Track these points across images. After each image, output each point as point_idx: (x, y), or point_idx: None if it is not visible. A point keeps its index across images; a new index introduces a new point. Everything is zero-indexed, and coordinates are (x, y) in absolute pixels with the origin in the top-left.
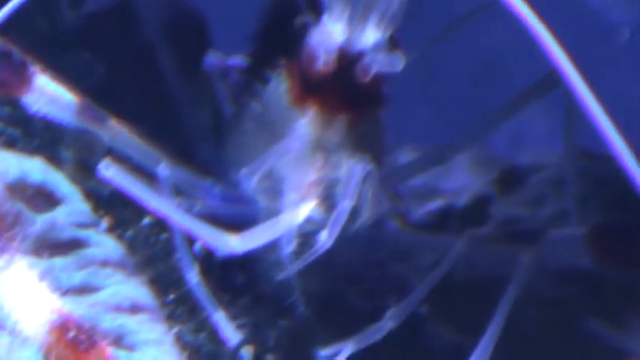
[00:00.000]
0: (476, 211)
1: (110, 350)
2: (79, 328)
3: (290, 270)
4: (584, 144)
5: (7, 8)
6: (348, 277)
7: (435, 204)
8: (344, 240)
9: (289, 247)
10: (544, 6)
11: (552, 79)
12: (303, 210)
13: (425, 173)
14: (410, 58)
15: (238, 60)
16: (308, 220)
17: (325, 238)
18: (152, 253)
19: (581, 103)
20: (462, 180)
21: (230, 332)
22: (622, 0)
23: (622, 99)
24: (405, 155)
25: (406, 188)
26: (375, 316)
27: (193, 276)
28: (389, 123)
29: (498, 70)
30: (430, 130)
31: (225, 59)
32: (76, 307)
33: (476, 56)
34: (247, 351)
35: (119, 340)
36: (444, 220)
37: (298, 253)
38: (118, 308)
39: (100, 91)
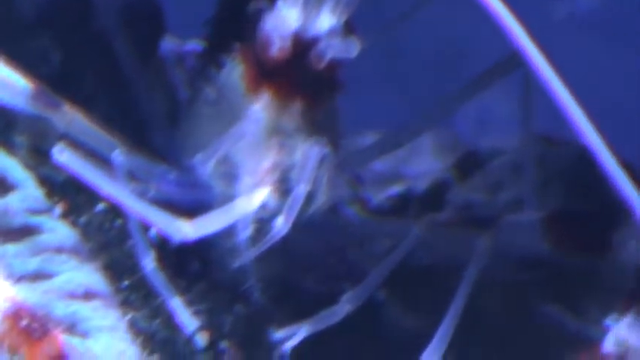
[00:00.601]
0: (434, 196)
1: (63, 338)
2: (32, 316)
3: (246, 256)
4: (545, 128)
5: None
6: (304, 263)
7: (395, 189)
8: (300, 225)
9: (245, 233)
10: None
11: (514, 60)
12: (258, 196)
13: (387, 157)
14: (367, 44)
15: (194, 45)
16: (263, 206)
17: (281, 224)
18: (106, 239)
19: (544, 84)
20: (426, 164)
21: (187, 319)
22: None
23: (586, 79)
24: (369, 140)
25: (369, 173)
26: (332, 301)
27: (149, 262)
28: (353, 108)
29: (465, 52)
30: (396, 114)
31: (181, 44)
32: (30, 295)
33: (441, 38)
34: (203, 337)
35: (73, 327)
36: (403, 206)
37: (254, 239)
38: (72, 295)
39: (55, 77)
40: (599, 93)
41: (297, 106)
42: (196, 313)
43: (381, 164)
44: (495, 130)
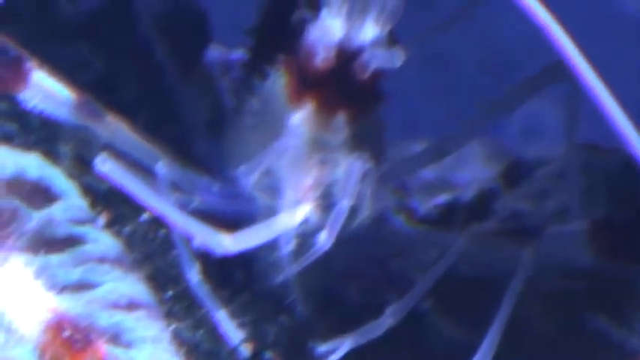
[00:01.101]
0: (481, 205)
1: (106, 348)
2: (75, 326)
3: (289, 271)
4: (591, 136)
5: None
6: (348, 274)
7: (442, 198)
8: (344, 238)
9: (288, 248)
10: None
11: (559, 68)
12: (300, 212)
13: (435, 165)
14: (410, 53)
15: (240, 54)
16: (306, 221)
17: (324, 239)
18: (150, 249)
19: (590, 93)
20: (474, 173)
21: (231, 331)
22: None
23: (632, 85)
24: (416, 148)
25: (416, 181)
26: (376, 313)
27: (194, 275)
28: (401, 117)
29: (511, 60)
30: (444, 123)
31: (227, 53)
32: (73, 305)
33: (488, 46)
34: (246, 348)
35: (116, 337)
36: (450, 215)
37: (297, 253)
38: (115, 305)
39: (98, 86)
40: None
41: (340, 117)
42: (240, 324)
43: (428, 172)
44: (544, 138)
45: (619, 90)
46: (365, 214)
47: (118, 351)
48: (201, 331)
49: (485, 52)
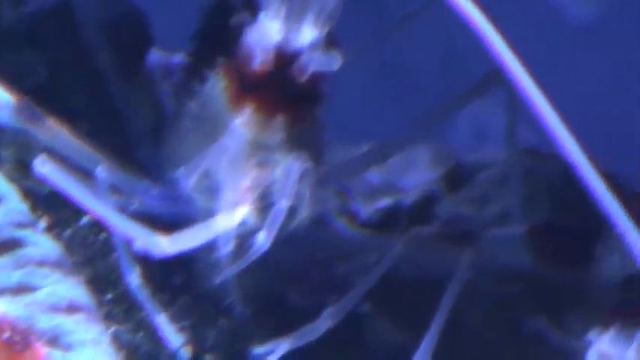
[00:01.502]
0: (423, 209)
1: (45, 350)
2: (14, 328)
3: (227, 272)
4: (533, 142)
5: None
6: (288, 277)
7: (385, 202)
8: (283, 239)
9: (226, 249)
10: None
11: (498, 75)
12: (238, 213)
13: (381, 169)
14: (352, 57)
15: (181, 58)
16: (244, 222)
17: (263, 240)
18: (90, 252)
19: (526, 98)
20: (420, 177)
21: (171, 334)
22: None
23: (573, 97)
24: (362, 152)
25: (361, 185)
26: (316, 315)
27: (134, 278)
28: (347, 119)
29: (460, 63)
30: (395, 126)
31: (168, 57)
32: (12, 308)
33: (437, 50)
34: (186, 351)
35: (55, 340)
36: (392, 219)
37: (236, 254)
38: (55, 308)
39: (40, 92)
40: (585, 107)
41: (279, 120)
42: (180, 327)
43: (374, 176)
44: (492, 142)
45: (559, 96)
46: (304, 215)
47: (56, 353)
48: (141, 334)
49: (443, 59)
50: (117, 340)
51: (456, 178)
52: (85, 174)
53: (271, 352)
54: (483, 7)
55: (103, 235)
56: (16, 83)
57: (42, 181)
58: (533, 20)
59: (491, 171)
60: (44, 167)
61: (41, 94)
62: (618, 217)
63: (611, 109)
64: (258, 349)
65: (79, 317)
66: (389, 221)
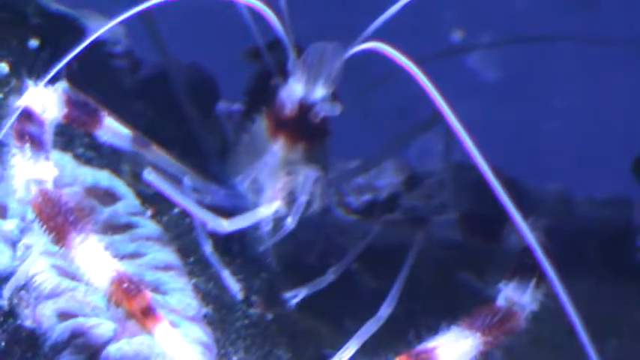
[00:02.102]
0: (391, 202)
1: (150, 295)
2: (130, 281)
3: (267, 244)
4: (460, 160)
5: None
6: (306, 246)
7: (367, 197)
8: (302, 222)
9: (266, 228)
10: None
11: (438, 117)
12: (273, 205)
13: (364, 175)
14: (347, 106)
15: (238, 107)
16: (277, 211)
17: (290, 223)
18: (179, 231)
19: (456, 133)
20: (388, 180)
21: (232, 283)
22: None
23: (484, 130)
24: (352, 165)
25: (352, 185)
26: (324, 272)
27: (208, 248)
28: (343, 145)
29: (413, 110)
30: (372, 149)
31: (230, 106)
32: (129, 267)
33: (397, 101)
34: (241, 294)
35: (156, 288)
36: (372, 208)
37: (272, 231)
38: (156, 267)
39: (148, 127)
40: (492, 136)
41: (300, 146)
42: (237, 279)
43: (360, 180)
44: (433, 159)
45: (475, 129)
46: (316, 206)
47: (158, 297)
48: (212, 284)
49: (402, 106)
50: (196, 288)
51: (412, 182)
52: (176, 181)
53: (295, 296)
54: (429, 76)
55: (187, 220)
56: (132, 122)
57: (148, 185)
58: (459, 81)
59: (434, 178)
60: (150, 176)
61: (148, 129)
62: (511, 210)
63: (509, 138)
64: (287, 294)
65: (172, 273)
66: (370, 210)
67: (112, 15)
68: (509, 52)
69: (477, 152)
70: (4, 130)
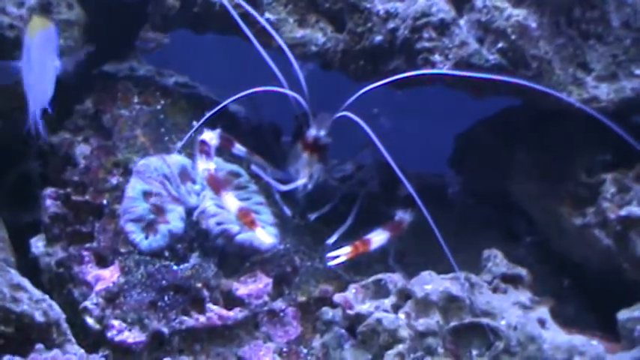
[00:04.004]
0: (351, 177)
1: (253, 215)
2: (245, 209)
3: (300, 195)
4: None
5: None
6: (313, 199)
7: (340, 174)
8: (314, 187)
9: (300, 189)
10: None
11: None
12: (302, 180)
13: (340, 166)
14: (332, 138)
15: (288, 139)
16: (304, 183)
17: (310, 186)
18: (265, 189)
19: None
20: (350, 167)
21: (286, 209)
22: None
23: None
24: (335, 162)
25: (335, 169)
26: (327, 218)
27: (277, 196)
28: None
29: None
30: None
31: (287, 138)
32: (244, 204)
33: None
34: (290, 213)
35: (256, 212)
36: (343, 179)
37: (302, 191)
38: (256, 204)
39: (253, 149)
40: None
41: (315, 155)
42: (288, 207)
43: (338, 167)
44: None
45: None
46: (320, 180)
47: (256, 216)
48: (274, 208)
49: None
50: (272, 211)
51: (359, 168)
52: (264, 169)
53: (312, 216)
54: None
55: (268, 185)
56: (246, 145)
57: (253, 171)
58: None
59: (368, 166)
60: (254, 167)
61: (254, 150)
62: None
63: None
64: (309, 215)
65: (262, 206)
66: (342, 180)
67: None
68: None
69: (387, 155)
70: (196, 149)
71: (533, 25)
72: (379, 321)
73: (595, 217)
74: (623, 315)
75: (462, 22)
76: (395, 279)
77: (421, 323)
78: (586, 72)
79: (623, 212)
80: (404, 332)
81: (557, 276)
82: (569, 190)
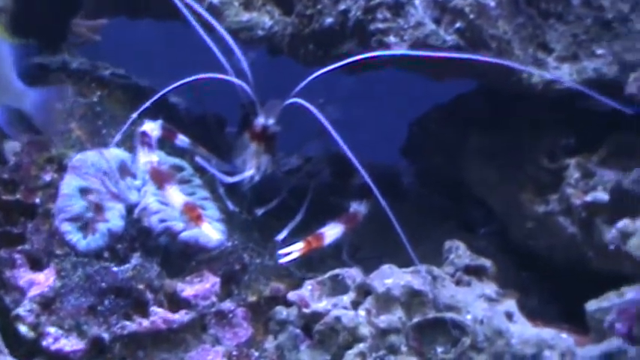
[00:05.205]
0: (299, 169)
1: (200, 210)
2: (191, 204)
3: (246, 187)
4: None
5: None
6: (264, 191)
7: (288, 167)
8: (261, 179)
9: (247, 181)
10: None
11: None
12: (250, 171)
13: (288, 157)
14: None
15: (234, 129)
16: (251, 174)
17: (257, 178)
18: (210, 182)
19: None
20: (297, 160)
21: (230, 204)
22: None
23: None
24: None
25: (283, 162)
26: (275, 212)
27: (221, 189)
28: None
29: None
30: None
31: (232, 129)
32: (190, 198)
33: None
34: (234, 208)
35: (201, 207)
36: (291, 171)
37: (248, 183)
38: (201, 199)
39: (196, 139)
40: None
41: (262, 145)
42: (233, 202)
43: (286, 160)
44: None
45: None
46: (268, 171)
47: (202, 211)
48: (220, 204)
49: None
50: (220, 209)
51: (307, 160)
52: (209, 161)
53: (259, 210)
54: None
55: (213, 178)
56: (189, 136)
57: (198, 163)
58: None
59: (316, 158)
60: (198, 159)
61: (197, 140)
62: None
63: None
64: (256, 209)
65: (207, 201)
66: (291, 172)
67: None
68: None
69: (343, 145)
70: (136, 141)
71: (492, 3)
72: (338, 319)
73: (559, 203)
74: (591, 306)
75: (417, 1)
76: (353, 274)
77: (383, 320)
78: (546, 52)
79: (588, 198)
80: (364, 330)
81: (518, 267)
82: (531, 176)
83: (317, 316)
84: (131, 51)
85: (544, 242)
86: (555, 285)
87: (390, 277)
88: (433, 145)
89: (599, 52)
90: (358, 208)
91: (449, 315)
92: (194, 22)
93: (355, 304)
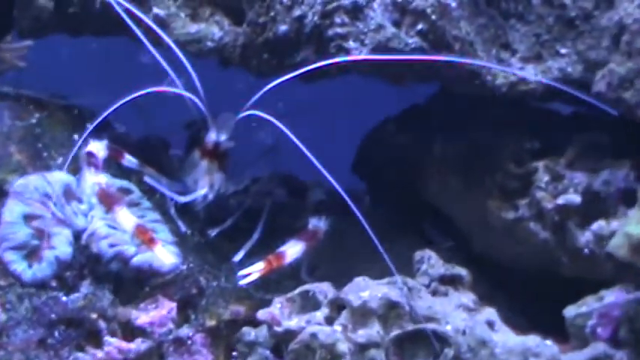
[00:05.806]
0: (249, 189)
1: (151, 233)
2: (143, 227)
3: (199, 207)
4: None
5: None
6: (213, 213)
7: (240, 187)
8: (215, 198)
9: (200, 201)
10: None
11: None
12: (202, 190)
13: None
14: (235, 143)
15: (179, 151)
16: (205, 193)
17: (210, 197)
18: (160, 204)
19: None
20: (248, 179)
21: (183, 226)
22: None
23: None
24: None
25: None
26: (229, 233)
27: (172, 210)
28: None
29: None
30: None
31: (176, 152)
32: (139, 221)
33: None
34: (187, 230)
35: (153, 230)
36: (242, 191)
37: (202, 202)
38: (152, 221)
39: (144, 159)
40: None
41: (214, 163)
42: (184, 224)
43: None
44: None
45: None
46: (221, 190)
47: (154, 234)
48: (171, 225)
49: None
50: (172, 230)
51: (255, 180)
52: (158, 181)
53: (213, 232)
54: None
55: (164, 198)
56: (136, 157)
57: (147, 184)
58: None
59: (264, 179)
60: (147, 179)
61: (145, 160)
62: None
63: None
64: (209, 231)
65: (159, 223)
66: (242, 192)
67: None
68: None
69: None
70: (82, 162)
71: (453, 4)
72: (314, 335)
73: (529, 208)
74: (570, 312)
75: (375, 4)
76: (324, 289)
77: (361, 335)
78: (510, 53)
79: (560, 201)
80: (343, 346)
81: (483, 278)
82: (497, 182)
83: (290, 334)
84: (55, 73)
85: (510, 251)
86: (525, 294)
87: (366, 290)
88: (387, 157)
89: (563, 51)
90: (318, 224)
91: (430, 326)
92: (140, 35)
93: (329, 320)
